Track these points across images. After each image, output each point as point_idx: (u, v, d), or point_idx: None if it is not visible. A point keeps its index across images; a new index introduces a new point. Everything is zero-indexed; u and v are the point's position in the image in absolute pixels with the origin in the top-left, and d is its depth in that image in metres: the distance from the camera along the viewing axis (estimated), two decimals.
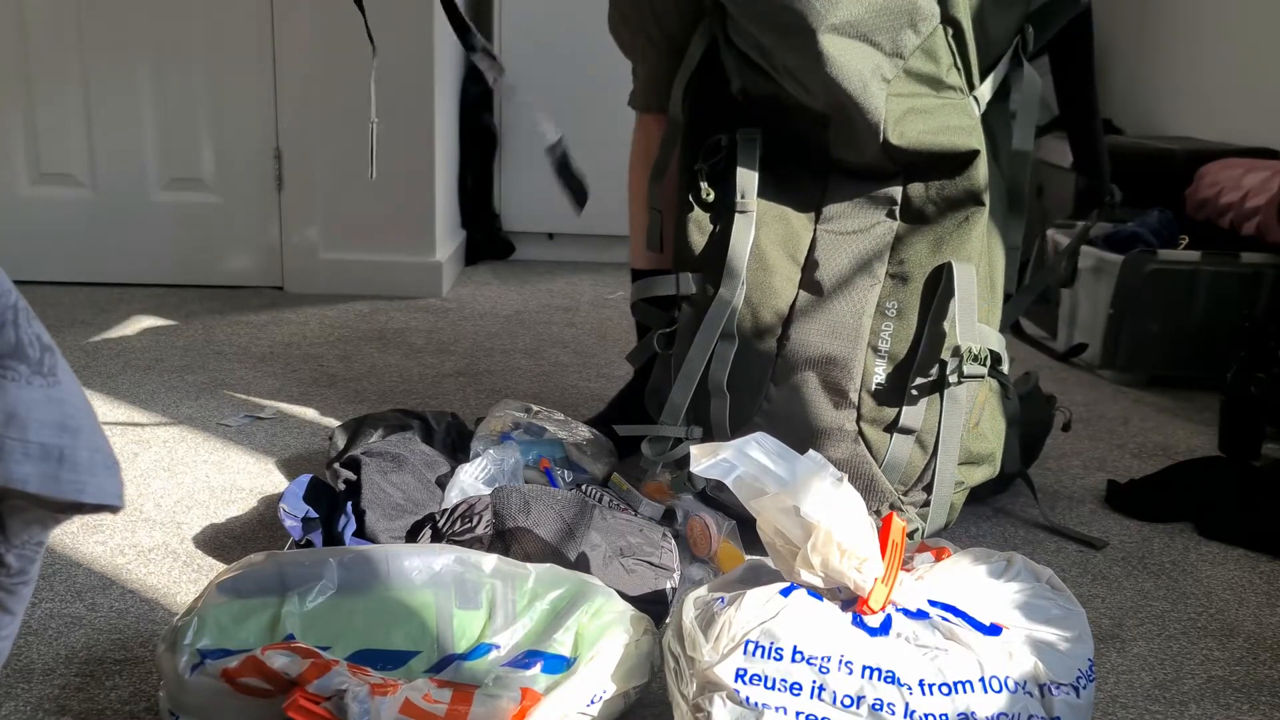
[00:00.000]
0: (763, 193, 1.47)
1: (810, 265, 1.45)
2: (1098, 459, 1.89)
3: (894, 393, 1.41)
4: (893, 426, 1.41)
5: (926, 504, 1.44)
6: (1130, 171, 2.62)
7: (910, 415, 1.41)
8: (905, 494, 1.44)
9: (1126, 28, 3.41)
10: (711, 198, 1.50)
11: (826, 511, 0.97)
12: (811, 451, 1.01)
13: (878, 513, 1.44)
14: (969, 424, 1.44)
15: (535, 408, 1.68)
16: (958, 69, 1.42)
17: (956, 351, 1.40)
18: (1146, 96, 3.31)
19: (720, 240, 1.48)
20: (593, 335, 2.57)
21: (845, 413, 1.42)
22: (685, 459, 1.48)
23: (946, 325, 1.40)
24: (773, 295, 1.45)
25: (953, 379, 1.40)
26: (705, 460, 1.00)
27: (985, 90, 1.46)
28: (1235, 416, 1.88)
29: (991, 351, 1.43)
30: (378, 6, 2.72)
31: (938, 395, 1.41)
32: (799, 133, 1.47)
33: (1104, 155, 1.65)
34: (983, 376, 1.42)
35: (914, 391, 1.40)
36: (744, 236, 1.46)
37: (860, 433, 1.42)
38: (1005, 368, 1.47)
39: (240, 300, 2.75)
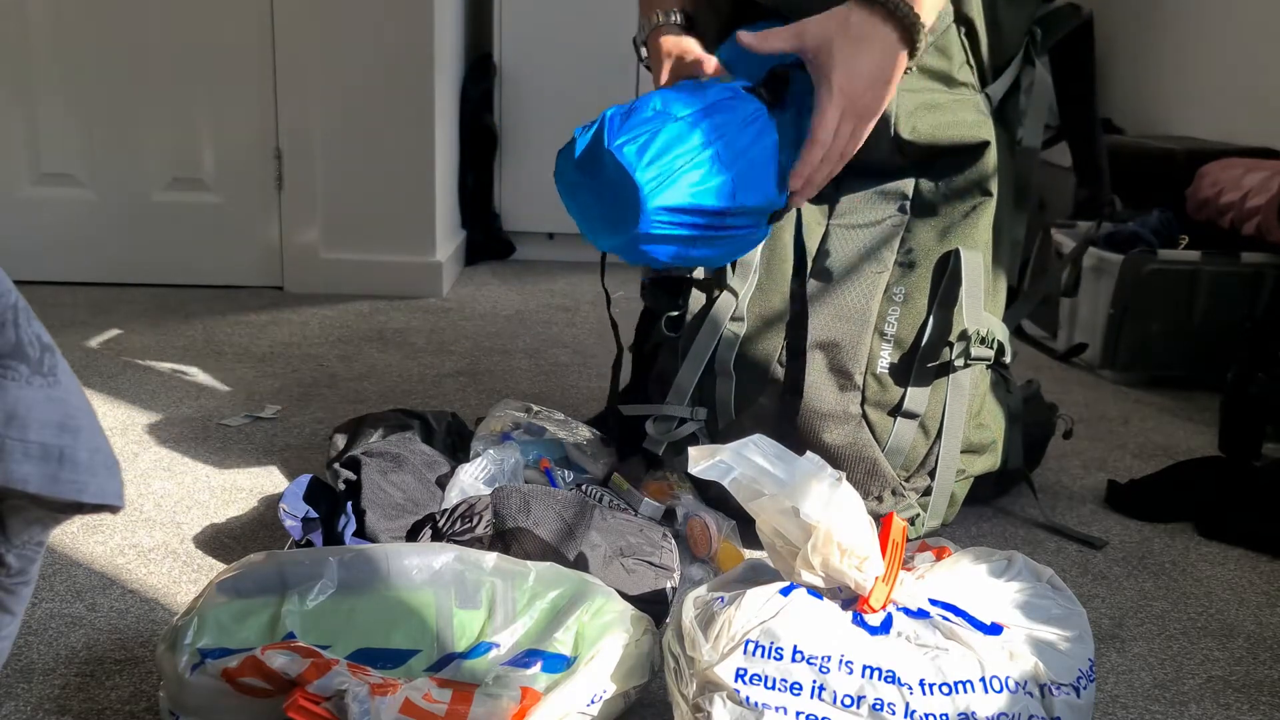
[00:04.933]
0: None
1: (821, 255, 1.48)
2: (1098, 459, 1.89)
3: (900, 376, 1.44)
4: (897, 410, 1.43)
5: (928, 492, 1.45)
6: (1130, 171, 2.63)
7: (915, 399, 1.42)
8: (908, 479, 1.45)
9: (1127, 28, 3.41)
10: None
11: (826, 512, 0.97)
12: (809, 453, 1.02)
13: (879, 498, 1.45)
14: (970, 413, 1.46)
15: (535, 408, 1.68)
16: (970, 66, 1.46)
17: (963, 335, 1.42)
18: (1146, 96, 3.31)
19: None
20: (593, 335, 2.57)
21: (850, 395, 1.43)
22: (686, 441, 1.51)
23: (953, 310, 1.42)
24: (783, 281, 1.48)
25: (959, 362, 1.42)
26: (703, 462, 1.00)
27: (998, 88, 1.49)
28: (1235, 416, 1.88)
29: (997, 340, 1.44)
30: (378, 7, 2.73)
31: (943, 380, 1.43)
32: None
33: (1104, 166, 1.67)
34: (989, 359, 1.44)
35: (920, 374, 1.42)
36: None
37: (864, 415, 1.43)
38: (1008, 359, 1.49)
39: (240, 300, 2.75)
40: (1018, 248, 1.56)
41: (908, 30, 1.26)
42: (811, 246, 1.50)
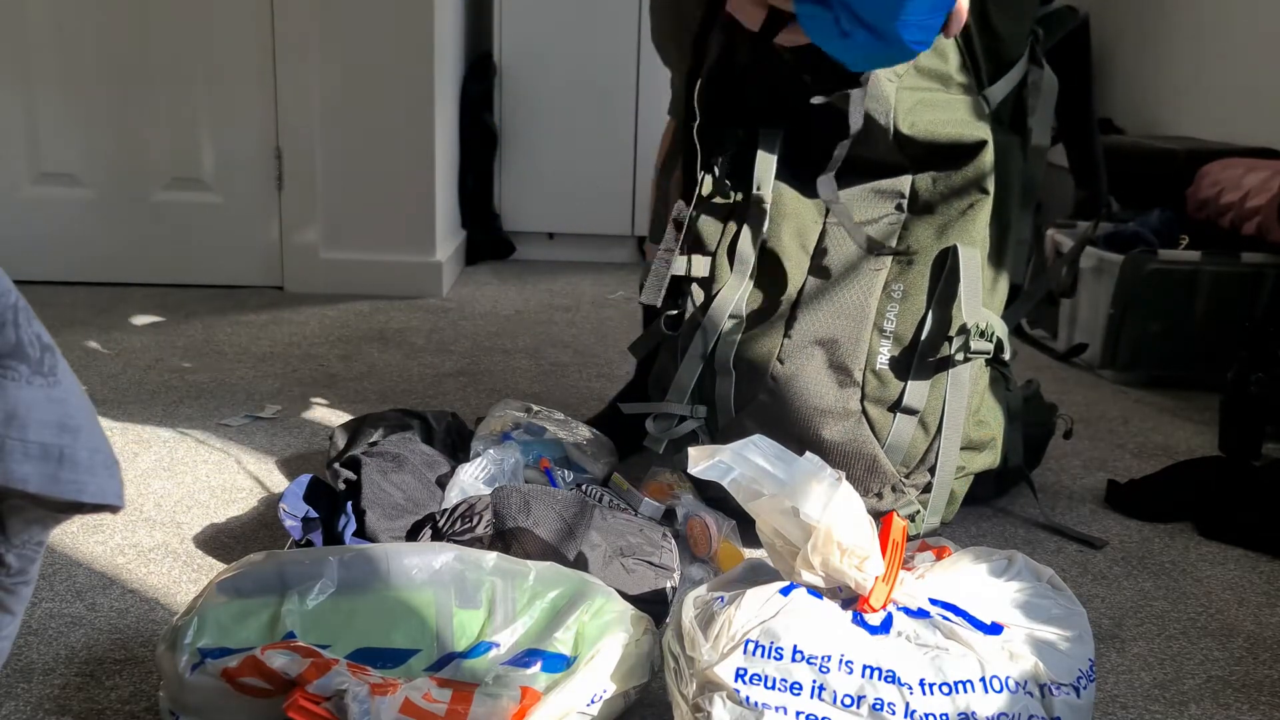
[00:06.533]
0: (777, 187, 1.51)
1: (819, 253, 1.49)
2: (1098, 459, 1.89)
3: (899, 371, 1.44)
4: (896, 406, 1.43)
5: (928, 488, 1.45)
6: (1131, 171, 2.63)
7: (914, 394, 1.43)
8: (908, 476, 1.45)
9: (1127, 28, 3.41)
10: (728, 188, 1.53)
11: (826, 512, 0.97)
12: (809, 453, 1.02)
13: (879, 495, 1.45)
14: (970, 409, 1.46)
15: (535, 408, 1.68)
16: (966, 67, 1.46)
17: (962, 329, 1.42)
18: (1146, 96, 3.31)
19: (734, 228, 1.51)
20: (593, 335, 2.57)
21: (849, 391, 1.44)
22: (686, 439, 1.51)
23: (952, 306, 1.43)
24: (782, 279, 1.49)
25: (958, 357, 1.42)
26: (703, 462, 1.00)
27: (999, 89, 1.50)
28: (1235, 416, 1.88)
29: (996, 336, 1.45)
30: (378, 7, 2.73)
31: (942, 376, 1.44)
32: (814, 131, 1.50)
33: (1101, 168, 1.68)
34: (988, 353, 1.44)
35: (920, 369, 1.42)
36: (757, 225, 1.50)
37: (864, 412, 1.44)
38: (1007, 356, 1.49)
39: (240, 300, 2.75)
40: (1023, 247, 1.56)
41: None
42: (809, 243, 1.50)
